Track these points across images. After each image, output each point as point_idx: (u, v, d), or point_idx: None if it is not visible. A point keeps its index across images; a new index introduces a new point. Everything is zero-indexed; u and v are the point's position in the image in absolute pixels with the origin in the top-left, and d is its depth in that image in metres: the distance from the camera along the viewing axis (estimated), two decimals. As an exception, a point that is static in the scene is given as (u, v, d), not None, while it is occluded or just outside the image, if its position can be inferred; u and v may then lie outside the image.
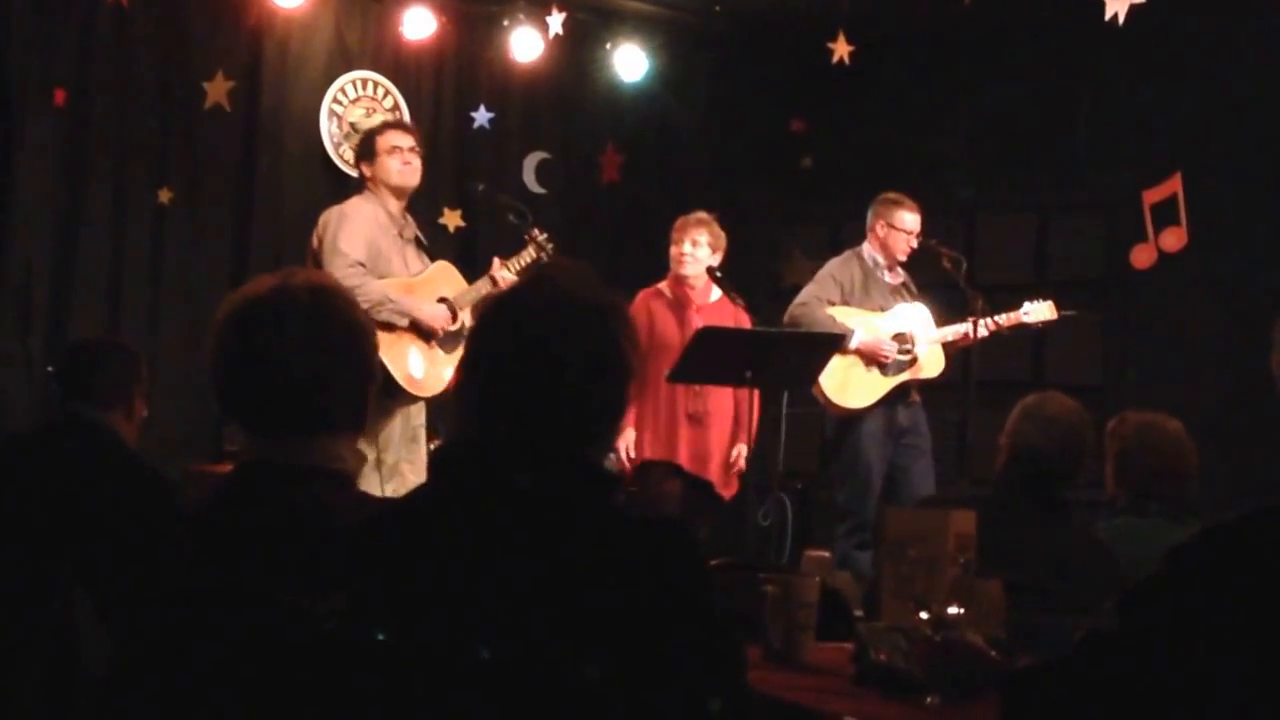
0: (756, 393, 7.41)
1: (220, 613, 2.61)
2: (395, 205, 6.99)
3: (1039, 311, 7.91)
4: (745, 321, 7.58)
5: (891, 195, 7.95)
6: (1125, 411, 5.06)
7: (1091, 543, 4.33)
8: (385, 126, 7.26)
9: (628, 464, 7.36)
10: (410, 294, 6.86)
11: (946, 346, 7.85)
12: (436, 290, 6.98)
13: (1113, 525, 4.74)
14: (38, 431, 5.18)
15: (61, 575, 3.79)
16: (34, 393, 7.77)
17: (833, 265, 8.06)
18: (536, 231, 7.40)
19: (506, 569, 2.32)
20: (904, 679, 3.00)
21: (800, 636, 3.41)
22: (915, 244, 7.90)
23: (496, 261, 7.19)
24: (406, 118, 9.12)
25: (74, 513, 4.29)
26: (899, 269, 8.03)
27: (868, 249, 8.01)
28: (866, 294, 7.92)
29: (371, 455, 6.64)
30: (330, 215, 6.88)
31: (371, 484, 6.53)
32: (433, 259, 7.16)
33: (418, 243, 7.11)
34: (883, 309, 7.90)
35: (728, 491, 7.58)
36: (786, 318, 7.87)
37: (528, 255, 7.28)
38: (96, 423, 4.67)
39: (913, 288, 8.09)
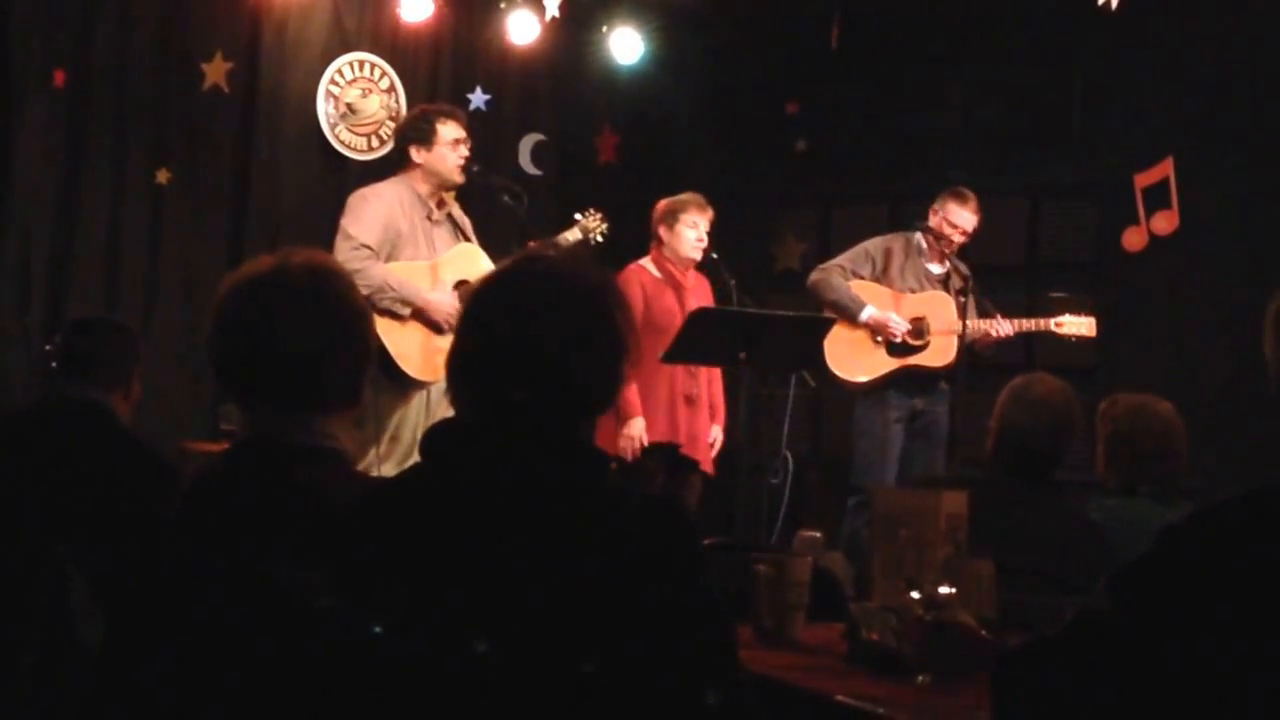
0: (718, 373, 7.62)
1: (215, 591, 2.62)
2: (426, 188, 6.88)
3: (1076, 326, 7.86)
4: (709, 295, 7.69)
5: (960, 188, 7.95)
6: (1116, 394, 5.08)
7: (1082, 523, 4.34)
8: (446, 114, 7.02)
9: (637, 451, 7.38)
10: (421, 279, 6.74)
11: (964, 340, 7.79)
12: (453, 274, 6.84)
13: (1103, 506, 4.75)
14: (34, 410, 5.18)
15: (57, 554, 3.81)
16: (32, 370, 7.78)
17: (874, 239, 8.11)
18: (590, 212, 7.38)
19: (498, 552, 2.31)
20: (895, 658, 3.02)
21: (792, 616, 3.43)
22: (958, 240, 7.86)
23: (531, 245, 7.09)
24: (403, 99, 9.13)
25: (70, 491, 4.30)
26: (947, 262, 8.00)
27: (919, 234, 8.03)
28: (901, 275, 7.93)
29: (384, 437, 6.62)
30: (352, 198, 6.83)
31: (390, 465, 6.52)
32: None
33: (453, 224, 7.03)
34: (913, 292, 7.92)
35: (711, 468, 7.66)
36: (808, 282, 7.99)
37: (571, 236, 7.23)
38: (94, 402, 4.66)
39: (955, 285, 7.98)
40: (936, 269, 8.01)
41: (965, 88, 9.46)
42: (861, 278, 7.89)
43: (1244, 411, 7.31)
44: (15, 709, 3.75)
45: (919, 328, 7.81)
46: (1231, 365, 7.67)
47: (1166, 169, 8.76)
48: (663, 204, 7.65)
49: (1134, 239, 8.90)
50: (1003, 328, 7.75)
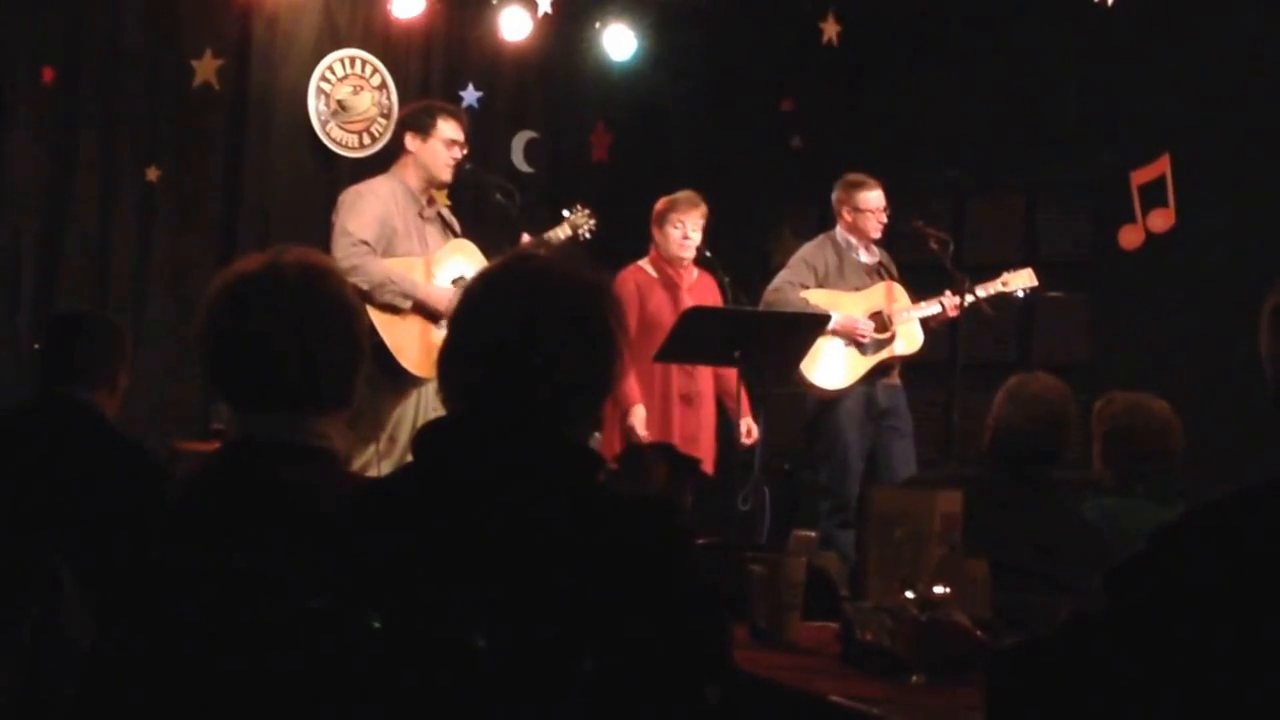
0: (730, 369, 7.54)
1: (206, 592, 2.60)
2: (418, 183, 6.83)
3: (1019, 279, 7.92)
4: (714, 293, 7.68)
5: (851, 177, 7.95)
6: (1112, 392, 5.07)
7: (1077, 522, 4.33)
8: (449, 113, 6.98)
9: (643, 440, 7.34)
10: (419, 274, 6.70)
11: (925, 323, 7.85)
12: (450, 270, 6.80)
13: (1099, 505, 4.74)
14: (20, 410, 5.14)
15: (46, 555, 3.79)
16: (21, 370, 7.76)
17: (806, 249, 8.06)
18: (578, 208, 7.37)
19: (491, 551, 2.30)
20: (890, 658, 3.00)
21: (786, 616, 3.41)
22: (884, 219, 7.91)
23: (525, 239, 7.09)
24: (395, 96, 9.12)
25: (59, 491, 4.28)
26: (874, 248, 8.04)
27: (840, 231, 8.02)
28: (841, 275, 7.93)
29: (383, 436, 6.59)
30: (347, 194, 6.77)
31: (389, 464, 6.49)
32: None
33: (442, 222, 7.00)
34: (858, 289, 7.91)
35: (710, 468, 7.64)
36: (761, 303, 7.88)
37: (560, 233, 7.23)
38: (78, 401, 4.63)
39: (890, 266, 8.11)
40: (867, 259, 8.04)
41: (962, 85, 9.44)
42: (807, 286, 7.86)
43: (1240, 410, 7.30)
44: (4, 709, 3.73)
45: (880, 322, 7.82)
46: (1228, 363, 7.65)
47: (1163, 166, 8.77)
48: (658, 203, 7.65)
49: (1130, 236, 8.90)
50: (963, 299, 7.73)
